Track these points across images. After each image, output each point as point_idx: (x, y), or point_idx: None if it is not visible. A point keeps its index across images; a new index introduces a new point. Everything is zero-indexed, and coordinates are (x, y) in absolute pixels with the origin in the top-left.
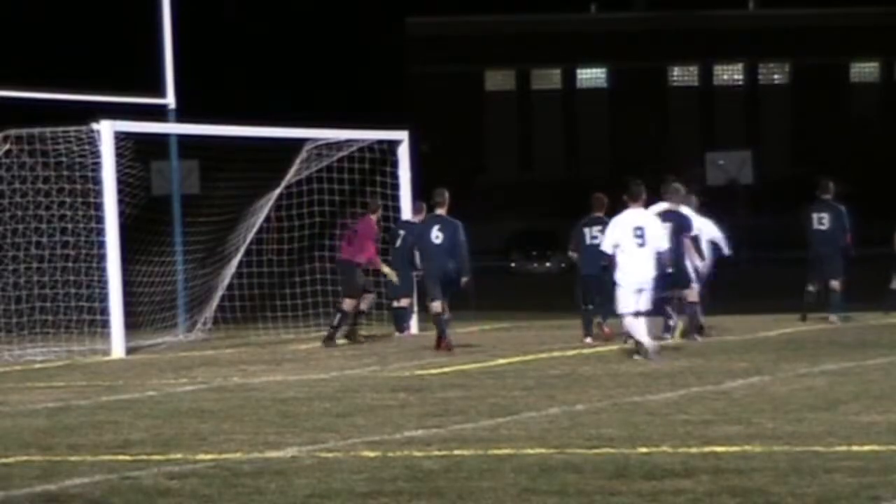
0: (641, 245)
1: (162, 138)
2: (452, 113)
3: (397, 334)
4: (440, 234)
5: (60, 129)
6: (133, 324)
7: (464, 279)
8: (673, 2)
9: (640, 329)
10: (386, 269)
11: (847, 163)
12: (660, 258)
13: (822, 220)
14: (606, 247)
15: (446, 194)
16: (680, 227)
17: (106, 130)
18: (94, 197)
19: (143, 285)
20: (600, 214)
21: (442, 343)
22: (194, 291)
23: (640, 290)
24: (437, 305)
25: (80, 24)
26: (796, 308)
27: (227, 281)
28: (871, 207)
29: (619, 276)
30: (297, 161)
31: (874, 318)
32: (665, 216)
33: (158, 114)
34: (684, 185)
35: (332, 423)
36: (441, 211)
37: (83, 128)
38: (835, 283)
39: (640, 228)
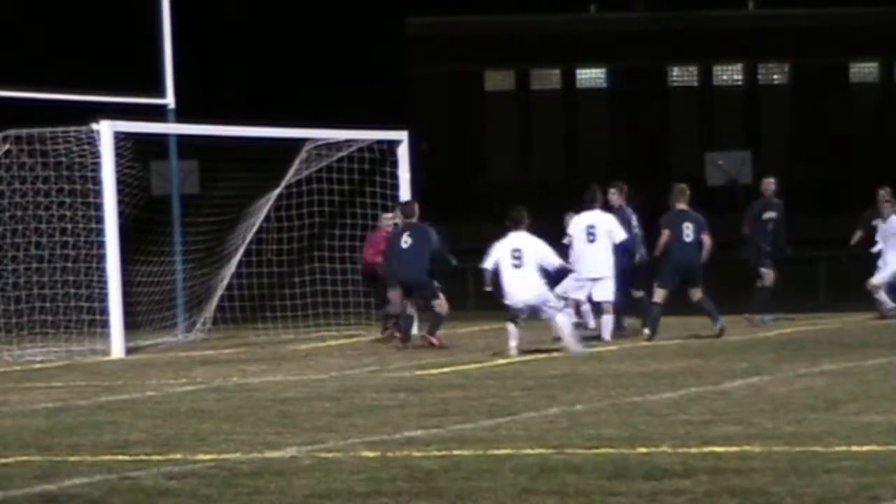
0: (517, 266)
1: (161, 138)
2: (452, 113)
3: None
4: (409, 240)
5: (60, 129)
6: (133, 324)
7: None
8: (673, 2)
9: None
10: None
11: (847, 163)
12: (561, 271)
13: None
14: (486, 263)
15: (416, 206)
16: (700, 224)
17: (105, 130)
18: (93, 197)
19: (142, 285)
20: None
21: (391, 336)
22: (194, 291)
23: (522, 307)
24: (394, 296)
25: (80, 24)
26: (796, 308)
27: (226, 281)
28: (868, 207)
29: (503, 293)
30: (297, 161)
31: (874, 319)
32: (684, 215)
33: (158, 114)
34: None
35: (332, 423)
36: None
37: (83, 128)
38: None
39: (517, 250)
